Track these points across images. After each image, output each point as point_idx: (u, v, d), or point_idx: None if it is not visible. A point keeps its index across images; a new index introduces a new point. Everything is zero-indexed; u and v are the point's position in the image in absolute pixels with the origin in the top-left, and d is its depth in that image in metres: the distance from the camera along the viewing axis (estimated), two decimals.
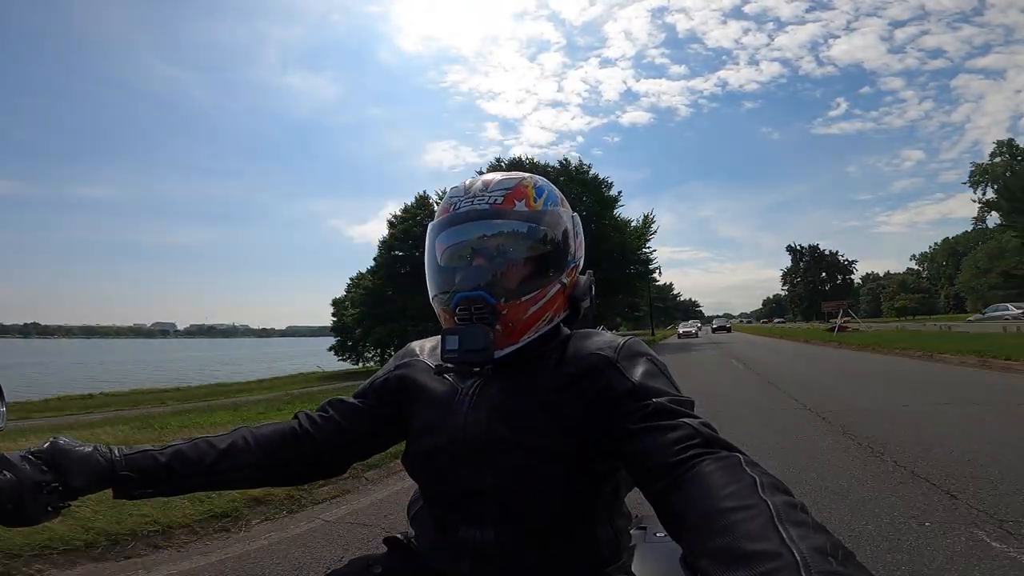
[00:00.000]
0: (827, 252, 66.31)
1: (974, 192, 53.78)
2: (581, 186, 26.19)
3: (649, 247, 28.97)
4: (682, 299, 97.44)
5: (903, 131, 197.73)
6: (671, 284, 72.40)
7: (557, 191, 0.85)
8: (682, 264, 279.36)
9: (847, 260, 66.07)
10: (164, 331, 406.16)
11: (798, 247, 67.86)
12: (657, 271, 31.15)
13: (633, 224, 28.81)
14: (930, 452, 3.64)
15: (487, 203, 0.78)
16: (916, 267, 77.41)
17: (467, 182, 0.83)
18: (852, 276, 67.00)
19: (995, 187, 46.47)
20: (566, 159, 27.75)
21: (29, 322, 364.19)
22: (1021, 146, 51.15)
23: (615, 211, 27.70)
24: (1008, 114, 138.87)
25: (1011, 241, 45.19)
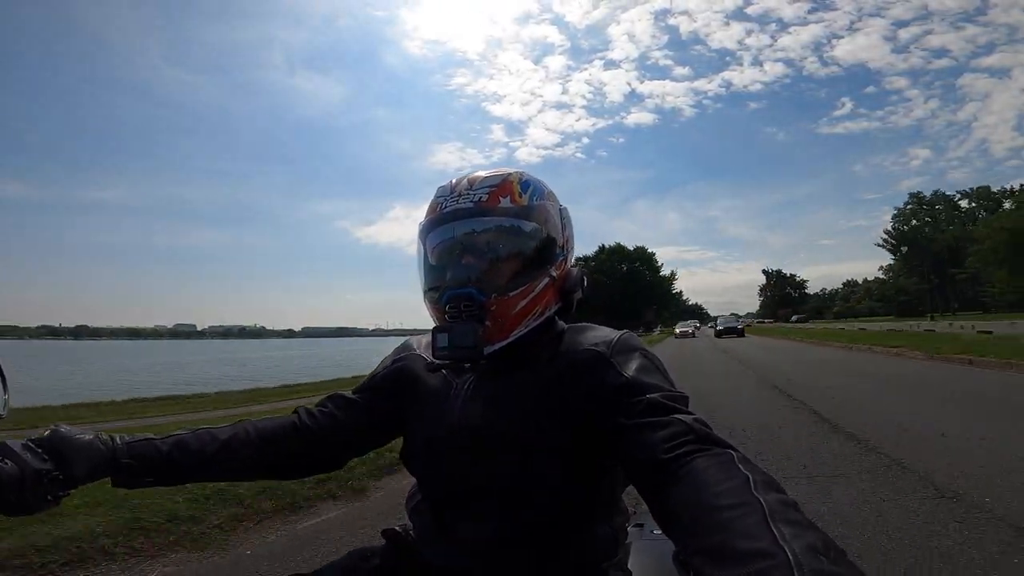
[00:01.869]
0: (788, 275, 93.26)
1: (894, 230, 77.65)
2: (644, 261, 53.20)
3: (675, 288, 58.16)
4: (691, 303, 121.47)
5: (909, 130, 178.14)
6: (681, 292, 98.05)
7: (545, 185, 0.85)
8: (688, 264, 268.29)
9: (801, 279, 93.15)
10: (201, 333, 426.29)
11: (771, 270, 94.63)
12: (679, 294, 59.46)
13: (666, 274, 56.50)
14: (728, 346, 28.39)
15: (472, 201, 0.78)
16: (882, 276, 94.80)
17: (454, 181, 0.83)
18: (805, 291, 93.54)
19: (888, 233, 71.13)
20: (639, 248, 54.28)
21: (80, 324, 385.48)
22: (927, 196, 75.18)
23: (659, 270, 54.99)
24: (1014, 112, 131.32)
25: (902, 273, 70.04)
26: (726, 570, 0.43)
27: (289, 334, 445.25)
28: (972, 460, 3.54)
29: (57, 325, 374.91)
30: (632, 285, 50.48)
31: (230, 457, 0.80)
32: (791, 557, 0.41)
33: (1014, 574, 2.05)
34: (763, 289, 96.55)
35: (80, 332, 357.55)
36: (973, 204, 70.08)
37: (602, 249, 54.32)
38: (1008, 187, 58.61)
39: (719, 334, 33.54)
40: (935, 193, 73.53)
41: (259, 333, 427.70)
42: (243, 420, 0.86)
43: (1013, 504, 2.67)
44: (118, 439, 0.73)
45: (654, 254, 54.88)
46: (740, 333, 33.86)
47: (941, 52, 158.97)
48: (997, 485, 2.98)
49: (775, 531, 0.44)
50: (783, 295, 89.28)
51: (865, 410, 5.71)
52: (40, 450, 0.66)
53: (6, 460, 0.63)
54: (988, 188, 68.80)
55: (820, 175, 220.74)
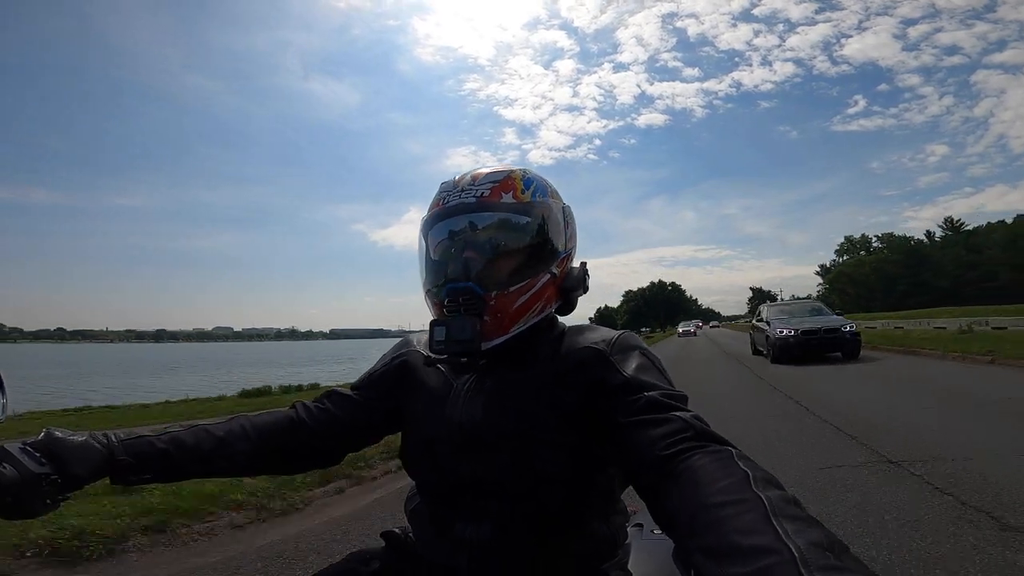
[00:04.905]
0: (766, 290, 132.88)
1: (839, 257, 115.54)
2: (675, 290, 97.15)
3: (694, 300, 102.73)
4: (704, 308, 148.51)
5: (925, 126, 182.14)
6: (696, 299, 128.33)
7: (548, 182, 0.85)
8: (704, 263, 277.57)
9: (775, 293, 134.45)
10: (252, 335, 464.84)
11: (757, 288, 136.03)
12: (695, 300, 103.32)
13: (688, 294, 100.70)
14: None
15: (474, 196, 0.78)
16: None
17: (457, 177, 0.83)
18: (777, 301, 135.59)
19: (821, 266, 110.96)
20: (672, 282, 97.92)
21: (162, 328, 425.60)
22: (856, 238, 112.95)
23: (684, 293, 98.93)
24: None
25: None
26: (730, 567, 0.42)
27: (333, 335, 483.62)
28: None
29: (142, 330, 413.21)
30: (670, 303, 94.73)
31: (226, 453, 0.80)
32: (796, 554, 0.41)
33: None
34: (750, 300, 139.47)
35: (160, 336, 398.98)
36: (883, 245, 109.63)
37: (652, 284, 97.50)
38: (912, 236, 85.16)
39: (784, 350, 10.82)
40: (861, 236, 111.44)
41: (308, 335, 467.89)
42: (239, 415, 0.86)
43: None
44: (113, 437, 0.73)
45: (680, 285, 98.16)
46: (849, 349, 10.98)
47: (952, 49, 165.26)
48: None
49: (778, 527, 0.44)
50: (762, 303, 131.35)
51: None
52: (38, 454, 0.66)
53: (5, 464, 0.63)
54: (892, 233, 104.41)
55: (836, 172, 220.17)
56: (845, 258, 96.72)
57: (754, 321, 14.35)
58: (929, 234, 76.19)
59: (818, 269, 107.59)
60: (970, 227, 71.11)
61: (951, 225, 73.63)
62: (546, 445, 0.72)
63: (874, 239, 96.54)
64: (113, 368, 38.15)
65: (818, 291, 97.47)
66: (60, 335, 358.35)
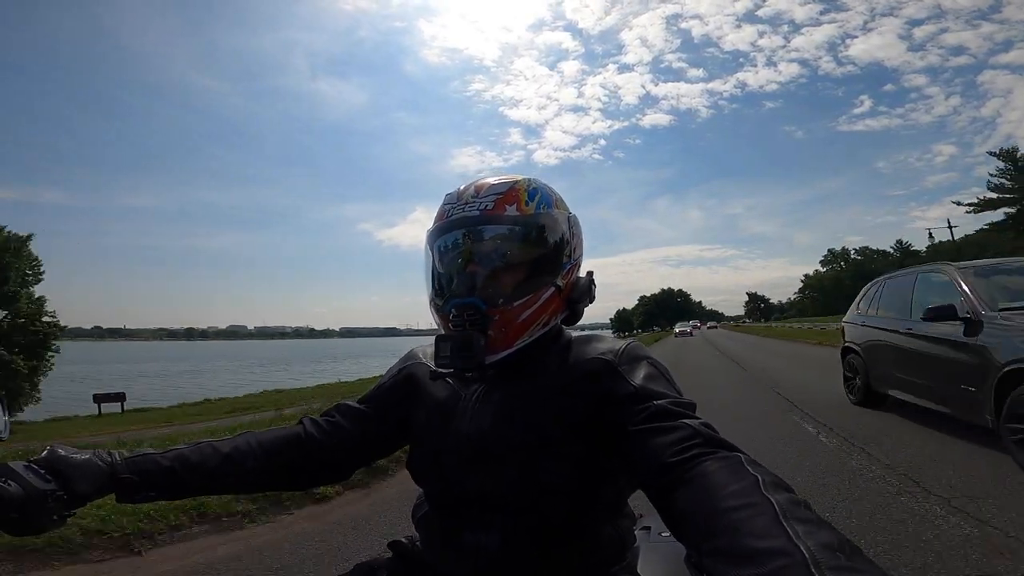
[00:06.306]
0: (760, 295, 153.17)
1: (822, 266, 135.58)
2: (683, 296, 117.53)
3: (699, 303, 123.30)
4: (708, 309, 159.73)
5: (932, 126, 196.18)
6: (701, 302, 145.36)
7: (553, 192, 0.85)
8: (709, 263, 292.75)
9: (767, 297, 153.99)
10: (271, 333, 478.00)
11: (753, 293, 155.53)
12: (699, 303, 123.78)
13: (695, 298, 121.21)
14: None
15: (478, 209, 0.78)
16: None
17: (461, 188, 0.83)
18: (770, 304, 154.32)
19: (807, 275, 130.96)
20: (680, 289, 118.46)
21: (192, 327, 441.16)
22: (838, 250, 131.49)
23: (690, 298, 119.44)
24: None
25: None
26: (742, 570, 0.43)
27: (346, 334, 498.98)
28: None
29: (175, 328, 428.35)
30: (678, 307, 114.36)
31: (232, 470, 0.80)
32: (807, 555, 0.41)
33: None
34: (746, 303, 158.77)
35: (191, 334, 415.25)
36: (860, 258, 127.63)
37: (662, 290, 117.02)
38: (886, 248, 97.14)
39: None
40: (842, 248, 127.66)
41: (324, 334, 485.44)
42: (246, 432, 0.87)
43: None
44: (116, 455, 0.74)
45: (687, 292, 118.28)
46: None
47: (959, 50, 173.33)
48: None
49: (789, 529, 0.44)
50: (758, 307, 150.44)
51: None
52: (42, 471, 0.67)
53: (10, 481, 0.64)
54: (868, 247, 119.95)
55: (843, 172, 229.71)
56: (827, 268, 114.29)
57: (848, 320, 5.96)
58: (885, 253, 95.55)
59: (802, 277, 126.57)
60: (920, 249, 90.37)
61: (900, 246, 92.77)
62: (552, 457, 0.72)
63: (853, 251, 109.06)
64: (283, 361, 53.43)
65: (794, 296, 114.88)
66: (99, 333, 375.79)
